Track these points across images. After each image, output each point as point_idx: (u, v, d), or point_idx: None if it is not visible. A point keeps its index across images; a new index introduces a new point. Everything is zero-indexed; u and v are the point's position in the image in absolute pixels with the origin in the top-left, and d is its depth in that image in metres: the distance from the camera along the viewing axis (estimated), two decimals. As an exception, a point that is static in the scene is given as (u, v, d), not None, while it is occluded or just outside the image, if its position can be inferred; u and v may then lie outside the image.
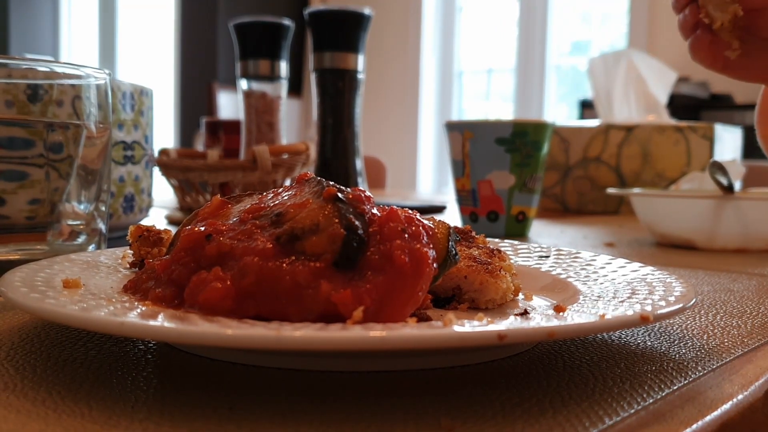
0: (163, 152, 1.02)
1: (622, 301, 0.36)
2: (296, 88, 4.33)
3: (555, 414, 0.27)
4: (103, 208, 0.54)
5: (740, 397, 0.30)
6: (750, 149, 2.82)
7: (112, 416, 0.26)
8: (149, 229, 0.46)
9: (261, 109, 1.09)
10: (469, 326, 0.27)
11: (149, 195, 0.86)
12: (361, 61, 1.01)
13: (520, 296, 0.45)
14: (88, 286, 0.37)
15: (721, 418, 0.28)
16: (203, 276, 0.32)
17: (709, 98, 3.48)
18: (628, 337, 0.39)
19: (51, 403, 0.27)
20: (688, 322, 0.43)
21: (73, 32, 4.56)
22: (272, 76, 1.08)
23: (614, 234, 0.98)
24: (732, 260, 0.73)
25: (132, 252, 0.46)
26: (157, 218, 1.01)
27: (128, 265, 0.45)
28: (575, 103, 3.79)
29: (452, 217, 1.06)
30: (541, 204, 1.32)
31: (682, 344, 0.38)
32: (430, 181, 4.52)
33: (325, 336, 0.26)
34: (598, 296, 0.39)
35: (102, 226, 0.54)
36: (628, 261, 0.47)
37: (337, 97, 1.00)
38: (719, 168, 0.79)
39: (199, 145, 1.77)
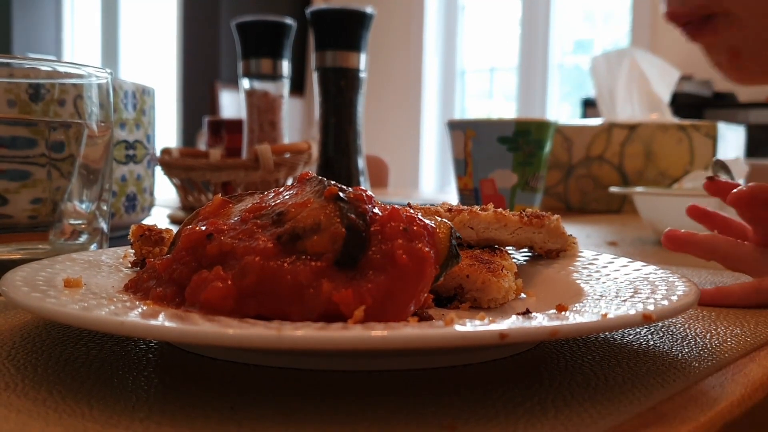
0: (166, 151, 1.02)
1: (625, 301, 0.36)
2: (298, 87, 4.33)
3: (557, 414, 0.27)
4: (105, 208, 0.54)
5: (743, 396, 0.30)
6: (753, 148, 2.81)
7: (112, 416, 0.26)
8: (151, 229, 0.46)
9: (263, 108, 1.09)
10: (470, 325, 0.27)
11: (151, 194, 0.86)
12: (363, 60, 1.01)
13: (522, 296, 0.45)
14: (89, 285, 0.37)
15: (724, 418, 0.28)
16: (204, 275, 0.32)
17: (712, 97, 3.48)
18: (630, 337, 0.39)
19: (52, 403, 0.27)
20: (691, 321, 0.43)
21: (75, 31, 4.56)
22: (274, 75, 1.08)
23: (617, 233, 0.97)
24: (735, 259, 0.72)
25: (133, 251, 0.46)
26: (159, 217, 1.01)
27: (130, 265, 0.45)
28: (578, 102, 3.79)
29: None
30: (544, 203, 1.32)
31: (684, 344, 0.38)
32: (432, 180, 4.52)
33: (327, 335, 0.26)
34: (601, 295, 0.39)
35: (104, 225, 0.54)
36: (630, 260, 0.47)
37: (340, 96, 1.00)
38: (722, 166, 0.79)
39: (202, 144, 1.77)
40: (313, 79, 1.03)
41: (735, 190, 0.52)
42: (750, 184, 0.54)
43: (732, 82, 0.56)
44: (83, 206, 0.53)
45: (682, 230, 0.55)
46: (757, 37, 0.49)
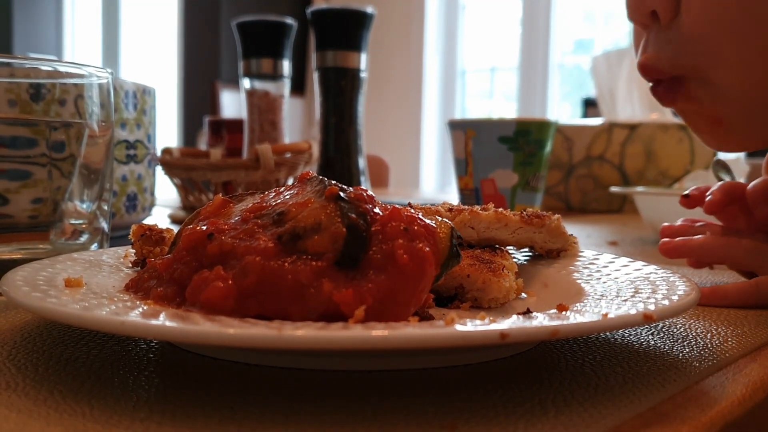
0: (166, 151, 1.02)
1: (625, 300, 0.36)
2: (299, 86, 4.33)
3: (557, 414, 0.27)
4: (106, 207, 0.54)
5: (744, 396, 0.30)
6: (754, 148, 2.80)
7: (113, 416, 0.26)
8: (151, 228, 0.46)
9: (264, 107, 1.09)
10: (471, 325, 0.27)
11: (152, 194, 0.86)
12: (363, 60, 1.01)
13: (523, 295, 0.45)
14: (90, 285, 0.37)
15: (725, 418, 0.28)
16: (205, 275, 0.32)
17: (712, 96, 3.47)
18: (631, 337, 0.39)
19: (52, 403, 0.27)
20: (692, 321, 0.43)
21: (76, 31, 4.56)
22: (275, 75, 1.08)
23: (617, 232, 0.97)
24: (736, 259, 0.72)
25: (134, 251, 0.46)
26: (159, 217, 1.01)
27: (130, 264, 0.45)
28: (578, 102, 3.79)
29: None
30: (544, 203, 1.32)
31: (685, 344, 0.38)
32: (433, 180, 4.51)
33: (327, 335, 0.26)
34: (601, 295, 0.39)
35: (104, 225, 0.54)
36: (631, 259, 0.47)
37: (340, 96, 1.00)
38: (723, 166, 0.79)
39: (202, 144, 1.77)
40: (314, 79, 1.03)
41: (707, 199, 0.51)
42: (719, 184, 0.53)
43: (713, 149, 0.55)
44: (84, 206, 0.53)
45: (677, 224, 0.54)
46: (740, 106, 0.47)
